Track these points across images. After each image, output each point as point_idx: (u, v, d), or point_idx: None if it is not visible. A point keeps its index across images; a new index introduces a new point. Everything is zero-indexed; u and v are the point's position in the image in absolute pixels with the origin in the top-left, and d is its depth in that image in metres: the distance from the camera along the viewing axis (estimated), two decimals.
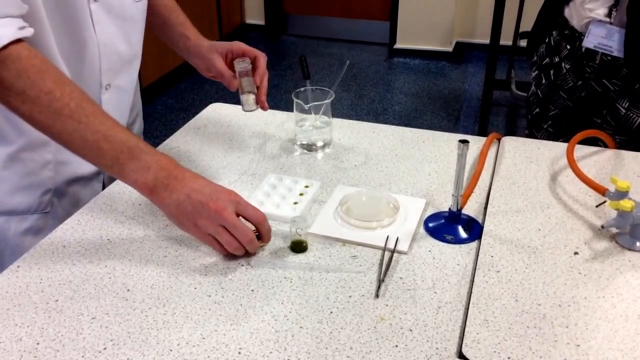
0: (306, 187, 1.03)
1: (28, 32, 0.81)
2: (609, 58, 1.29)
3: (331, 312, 0.76)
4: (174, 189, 0.81)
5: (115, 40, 0.99)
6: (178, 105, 3.59)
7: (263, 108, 1.11)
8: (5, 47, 0.77)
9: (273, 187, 1.03)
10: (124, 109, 1.10)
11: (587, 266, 0.84)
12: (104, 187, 1.08)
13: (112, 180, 1.08)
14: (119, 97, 1.06)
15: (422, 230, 0.93)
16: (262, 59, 1.09)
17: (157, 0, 1.10)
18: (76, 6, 0.91)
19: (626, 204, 0.85)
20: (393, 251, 0.86)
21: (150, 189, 0.82)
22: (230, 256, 0.86)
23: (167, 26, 1.12)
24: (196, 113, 1.33)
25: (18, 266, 0.84)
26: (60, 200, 1.01)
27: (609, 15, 1.27)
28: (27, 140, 0.95)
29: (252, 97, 1.09)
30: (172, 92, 3.74)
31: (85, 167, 1.04)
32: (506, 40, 3.29)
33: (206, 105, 1.36)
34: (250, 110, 1.10)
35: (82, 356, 0.70)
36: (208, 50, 1.09)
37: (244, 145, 1.18)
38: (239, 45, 1.10)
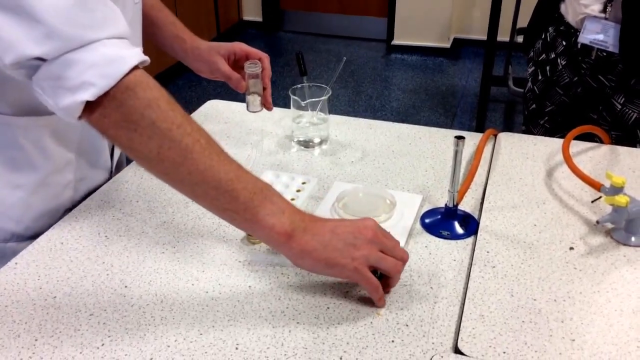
0: (303, 183, 1.04)
1: (147, 57, 0.73)
2: (605, 54, 1.29)
3: (328, 308, 0.77)
4: (315, 231, 0.72)
5: None
6: None
7: (269, 108, 1.12)
8: (134, 69, 0.70)
9: (270, 183, 1.03)
10: None
11: (583, 261, 0.84)
12: None
13: None
14: None
15: (418, 226, 0.93)
16: (267, 60, 1.09)
17: None
18: None
19: (621, 199, 0.85)
20: None
21: (288, 235, 0.72)
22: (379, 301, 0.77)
23: (156, 27, 1.09)
24: (193, 110, 1.33)
25: (16, 263, 0.84)
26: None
27: (604, 10, 1.27)
28: (54, 164, 0.93)
29: (258, 98, 1.10)
30: (169, 89, 3.70)
31: (98, 180, 1.03)
32: (503, 36, 3.29)
33: (203, 102, 1.36)
34: (255, 112, 1.12)
35: (80, 352, 0.70)
36: (209, 53, 1.08)
37: (241, 142, 1.19)
38: (241, 47, 1.09)
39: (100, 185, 1.04)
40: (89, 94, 0.68)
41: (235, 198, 0.71)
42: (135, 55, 0.71)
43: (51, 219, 0.95)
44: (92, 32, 0.69)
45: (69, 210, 0.97)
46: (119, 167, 1.10)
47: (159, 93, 0.71)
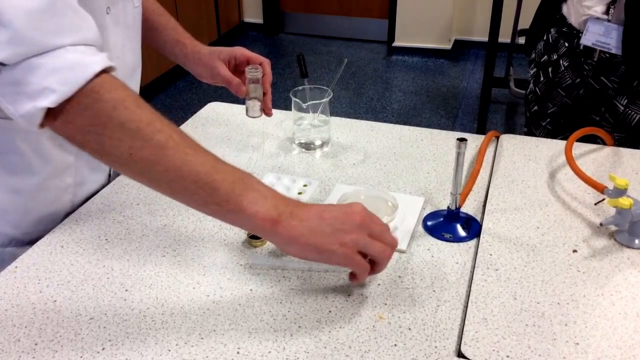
0: (304, 186, 1.03)
1: (112, 64, 0.72)
2: (607, 55, 1.29)
3: (330, 312, 0.76)
4: (301, 216, 0.71)
5: (124, 50, 0.97)
6: (176, 104, 3.59)
7: (268, 114, 1.11)
8: (97, 75, 0.68)
9: (271, 186, 1.02)
10: None
11: (586, 264, 0.84)
12: None
13: None
14: None
15: (420, 228, 0.93)
16: (268, 65, 1.09)
17: (144, 3, 1.06)
18: (96, 22, 0.88)
19: (625, 201, 0.85)
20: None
21: (274, 221, 0.69)
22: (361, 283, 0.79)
23: (157, 31, 1.09)
24: (194, 112, 1.32)
25: (16, 267, 0.84)
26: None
27: (606, 12, 1.27)
28: (53, 168, 0.93)
29: (258, 103, 1.09)
30: (170, 91, 3.74)
31: (97, 183, 1.02)
32: (505, 37, 3.29)
33: (204, 104, 1.35)
34: (255, 117, 1.11)
35: (81, 357, 0.69)
36: (209, 58, 1.07)
37: (242, 145, 1.18)
38: (242, 52, 1.09)
39: (100, 189, 1.03)
40: (49, 101, 0.66)
41: (215, 190, 0.69)
42: (99, 61, 0.69)
43: (51, 223, 0.94)
44: (57, 38, 0.68)
45: (68, 214, 0.97)
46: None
47: (125, 93, 0.69)
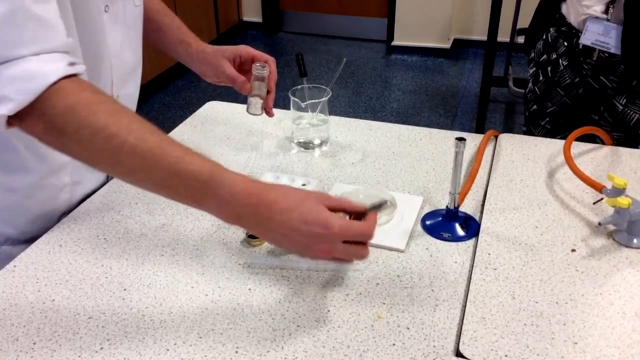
0: (303, 185, 1.03)
1: (79, 68, 0.74)
2: (606, 55, 1.29)
3: (328, 311, 0.76)
4: (265, 227, 0.70)
5: (123, 49, 0.97)
6: (175, 103, 3.59)
7: (269, 114, 1.10)
8: (55, 83, 0.70)
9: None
10: None
11: (585, 263, 0.84)
12: None
13: None
14: (125, 106, 1.04)
15: (419, 228, 0.93)
16: (273, 63, 1.08)
17: (148, 4, 1.06)
18: (92, 21, 0.88)
19: (623, 200, 0.85)
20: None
21: (237, 220, 0.71)
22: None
23: (161, 32, 1.09)
24: (193, 111, 1.32)
25: (14, 266, 0.84)
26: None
27: (606, 11, 1.27)
28: (48, 166, 0.93)
29: (260, 101, 1.08)
30: (169, 90, 3.73)
31: (94, 183, 1.02)
32: (504, 36, 3.29)
33: (203, 103, 1.35)
34: (256, 114, 1.09)
35: (79, 356, 0.69)
36: (214, 57, 1.07)
37: (241, 144, 1.18)
38: (246, 50, 1.08)
39: (97, 189, 1.03)
40: (7, 109, 0.69)
41: (176, 193, 0.71)
42: (56, 70, 0.70)
43: (47, 222, 0.94)
44: (16, 49, 0.70)
45: (65, 214, 0.97)
46: None
47: (78, 98, 0.70)
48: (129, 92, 1.04)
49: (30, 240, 0.90)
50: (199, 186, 0.69)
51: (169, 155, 0.70)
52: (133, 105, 1.09)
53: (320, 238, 0.69)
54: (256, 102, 1.08)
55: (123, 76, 1.00)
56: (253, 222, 0.71)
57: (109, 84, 0.96)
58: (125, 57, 0.99)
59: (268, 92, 1.09)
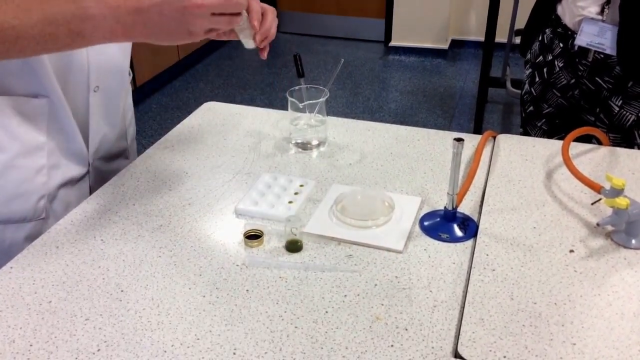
0: (301, 186, 1.03)
1: None
2: (602, 56, 1.29)
3: (326, 312, 0.76)
4: (140, 24, 0.77)
5: None
6: (172, 104, 3.58)
7: (262, 53, 0.98)
8: None
9: (268, 186, 1.02)
10: (114, 113, 1.07)
11: (583, 264, 0.84)
12: (90, 189, 1.07)
13: (98, 181, 1.07)
14: (108, 100, 1.04)
15: (417, 228, 0.93)
16: (271, 13, 0.95)
17: None
18: None
19: (621, 201, 0.85)
20: None
21: (122, 34, 0.77)
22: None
23: None
24: (190, 111, 1.32)
25: (11, 267, 0.84)
26: (53, 205, 1.00)
27: (601, 13, 1.27)
28: (22, 146, 0.93)
29: (247, 32, 0.93)
30: (166, 91, 3.73)
31: (75, 170, 1.02)
32: (501, 37, 3.29)
33: (200, 104, 1.35)
34: (250, 48, 0.96)
35: (76, 358, 0.69)
36: None
37: (238, 144, 1.18)
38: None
39: (78, 178, 1.03)
40: None
41: (56, 40, 0.75)
42: None
43: (24, 204, 0.95)
44: None
45: (43, 197, 0.97)
46: (99, 159, 1.08)
47: None
48: (111, 86, 1.04)
49: (4, 221, 0.91)
50: (72, 19, 0.74)
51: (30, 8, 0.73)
52: (119, 103, 1.08)
53: (185, 16, 0.76)
54: (243, 36, 0.94)
55: (103, 67, 0.99)
56: (130, 26, 0.76)
57: (84, 71, 0.97)
58: (106, 49, 0.98)
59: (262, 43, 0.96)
